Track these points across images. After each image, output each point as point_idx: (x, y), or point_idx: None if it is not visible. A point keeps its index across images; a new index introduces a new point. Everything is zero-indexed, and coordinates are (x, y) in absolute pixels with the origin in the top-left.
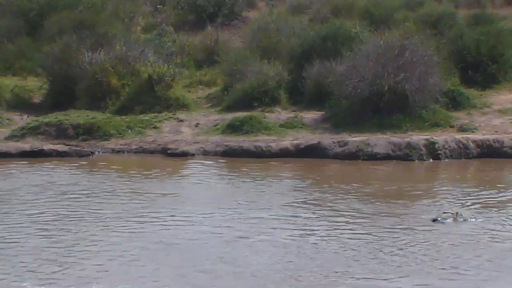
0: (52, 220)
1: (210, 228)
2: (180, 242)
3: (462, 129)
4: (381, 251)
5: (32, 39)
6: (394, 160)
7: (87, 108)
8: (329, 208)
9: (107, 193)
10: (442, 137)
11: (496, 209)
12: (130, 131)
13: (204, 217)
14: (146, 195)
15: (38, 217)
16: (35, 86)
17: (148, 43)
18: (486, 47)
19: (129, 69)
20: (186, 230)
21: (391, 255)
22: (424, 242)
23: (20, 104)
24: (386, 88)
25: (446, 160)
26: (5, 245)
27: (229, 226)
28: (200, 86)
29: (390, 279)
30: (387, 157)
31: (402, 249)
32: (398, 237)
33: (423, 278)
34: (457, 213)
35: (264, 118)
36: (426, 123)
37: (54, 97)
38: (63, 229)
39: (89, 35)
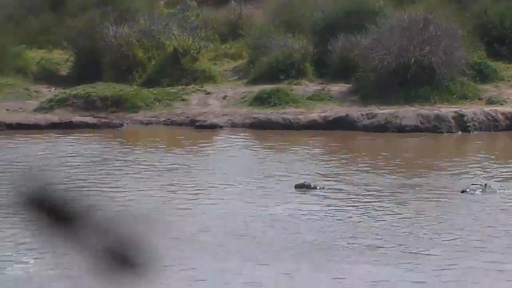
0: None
1: (228, 200)
2: (194, 213)
3: (490, 102)
4: (411, 223)
5: (55, 14)
6: (423, 132)
7: (113, 81)
8: (355, 181)
9: (131, 164)
10: (470, 110)
11: None
12: (158, 103)
13: (222, 188)
14: (170, 166)
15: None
16: (61, 59)
17: (171, 17)
18: (511, 21)
19: (154, 43)
20: (201, 201)
21: (421, 227)
22: (453, 213)
23: (47, 76)
24: (412, 61)
25: (475, 132)
26: None
27: (249, 198)
28: (226, 59)
29: (420, 251)
30: (415, 129)
31: (432, 221)
32: (427, 209)
33: (453, 249)
34: (485, 184)
35: (292, 90)
36: (454, 96)
37: (80, 70)
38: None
39: (112, 10)
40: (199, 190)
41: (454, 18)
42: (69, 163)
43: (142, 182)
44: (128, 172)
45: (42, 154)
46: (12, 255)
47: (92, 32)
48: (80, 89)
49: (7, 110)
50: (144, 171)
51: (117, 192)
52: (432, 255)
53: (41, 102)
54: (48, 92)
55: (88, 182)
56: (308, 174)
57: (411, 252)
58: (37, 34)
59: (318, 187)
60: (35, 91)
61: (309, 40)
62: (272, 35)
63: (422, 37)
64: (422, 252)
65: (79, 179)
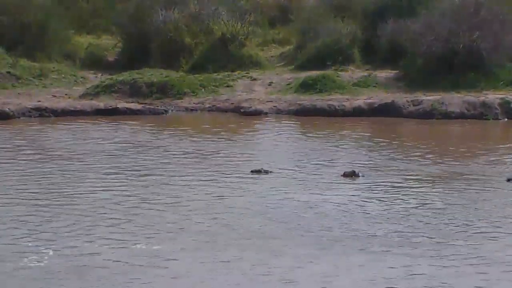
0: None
1: (272, 188)
2: (233, 202)
3: None
4: (454, 212)
5: None
6: (468, 119)
7: (161, 67)
8: (399, 169)
9: (168, 151)
10: None
11: None
12: (203, 89)
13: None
14: (211, 153)
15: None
16: (109, 44)
17: (221, 1)
18: None
19: (203, 28)
20: (244, 190)
21: (462, 218)
22: (499, 202)
23: (94, 62)
24: (461, 47)
25: None
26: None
27: (292, 187)
28: (274, 45)
29: (459, 243)
30: (461, 116)
31: (475, 210)
32: (471, 198)
33: (496, 240)
34: None
35: (338, 77)
36: (501, 82)
37: (128, 56)
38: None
39: None
40: (241, 178)
41: (506, 2)
42: (100, 149)
43: (180, 170)
44: (166, 159)
45: (74, 141)
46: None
47: (141, 17)
48: (126, 75)
49: (53, 96)
50: (184, 158)
51: (149, 180)
52: (470, 246)
53: (87, 88)
54: (95, 78)
55: (121, 169)
56: (353, 162)
57: (448, 244)
58: (88, 18)
59: (364, 175)
60: (81, 77)
61: (358, 25)
62: (321, 19)
63: (473, 21)
64: (458, 244)
65: (113, 165)
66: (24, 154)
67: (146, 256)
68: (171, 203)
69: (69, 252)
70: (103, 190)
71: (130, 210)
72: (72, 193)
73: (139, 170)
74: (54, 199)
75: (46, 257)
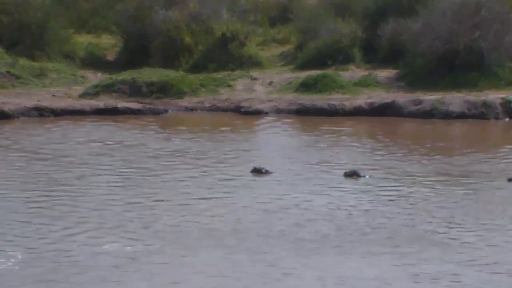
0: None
1: (270, 189)
2: (233, 203)
3: None
4: (455, 212)
5: None
6: (469, 119)
7: (160, 66)
8: (399, 168)
9: (165, 151)
10: None
11: None
12: (203, 89)
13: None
14: (208, 153)
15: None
16: (109, 44)
17: (221, 0)
18: None
19: (203, 27)
20: (241, 190)
21: (465, 217)
22: (500, 202)
23: (94, 61)
24: (461, 46)
25: None
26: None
27: (291, 187)
28: (274, 44)
29: (460, 243)
30: (462, 116)
31: (476, 210)
32: (472, 198)
33: (497, 241)
34: None
35: (338, 76)
36: (502, 82)
37: (128, 55)
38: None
39: None
40: (242, 178)
41: (506, 1)
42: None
43: (179, 170)
44: (165, 159)
45: (73, 140)
46: None
47: (141, 16)
48: (126, 75)
49: (53, 95)
50: (183, 157)
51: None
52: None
53: (87, 88)
54: (94, 77)
55: (120, 169)
56: (354, 162)
57: (449, 244)
58: (87, 18)
59: (365, 175)
60: (81, 77)
61: (358, 24)
62: (322, 19)
63: (473, 21)
64: (459, 245)
65: (112, 164)
66: (22, 153)
67: (143, 257)
68: (170, 202)
69: (47, 251)
70: (101, 189)
71: (127, 210)
72: (71, 192)
73: (139, 170)
74: (49, 199)
75: (12, 260)
